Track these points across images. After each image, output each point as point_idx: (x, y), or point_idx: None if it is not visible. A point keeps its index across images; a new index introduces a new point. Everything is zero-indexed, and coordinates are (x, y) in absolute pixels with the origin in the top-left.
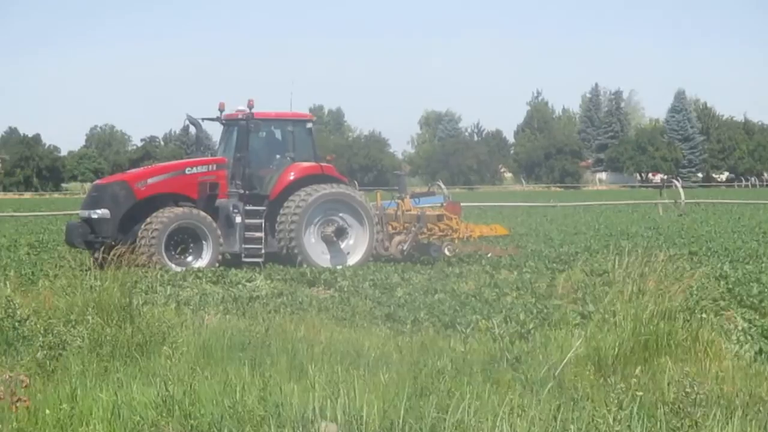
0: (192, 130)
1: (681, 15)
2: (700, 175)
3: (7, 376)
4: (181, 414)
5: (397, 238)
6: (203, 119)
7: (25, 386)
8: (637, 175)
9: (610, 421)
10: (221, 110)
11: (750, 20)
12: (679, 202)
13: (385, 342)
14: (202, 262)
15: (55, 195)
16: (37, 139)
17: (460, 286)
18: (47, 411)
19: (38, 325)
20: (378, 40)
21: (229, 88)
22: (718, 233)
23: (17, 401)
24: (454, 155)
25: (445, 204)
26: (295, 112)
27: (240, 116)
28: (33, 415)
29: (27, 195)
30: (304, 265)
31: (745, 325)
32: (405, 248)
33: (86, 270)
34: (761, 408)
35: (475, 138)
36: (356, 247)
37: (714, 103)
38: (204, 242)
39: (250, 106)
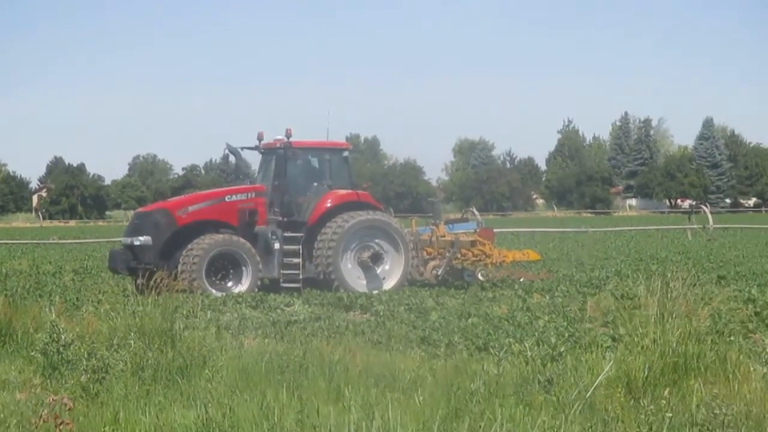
0: (231, 158)
1: (708, 44)
2: (728, 200)
3: (51, 399)
4: None
5: (431, 264)
6: (242, 148)
7: (69, 409)
8: (667, 201)
9: None
10: (260, 139)
11: None
12: (708, 227)
13: (419, 365)
14: (241, 288)
15: (99, 222)
16: (81, 168)
17: (493, 309)
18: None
19: (82, 350)
20: (413, 70)
21: (267, 118)
22: (746, 257)
23: (61, 424)
24: (487, 182)
25: (478, 230)
26: (332, 141)
27: (278, 145)
28: None
29: (72, 223)
30: (341, 290)
31: None
32: (439, 273)
33: (128, 296)
34: None
35: (508, 165)
36: (392, 272)
37: (741, 131)
38: (243, 268)
39: (288, 135)
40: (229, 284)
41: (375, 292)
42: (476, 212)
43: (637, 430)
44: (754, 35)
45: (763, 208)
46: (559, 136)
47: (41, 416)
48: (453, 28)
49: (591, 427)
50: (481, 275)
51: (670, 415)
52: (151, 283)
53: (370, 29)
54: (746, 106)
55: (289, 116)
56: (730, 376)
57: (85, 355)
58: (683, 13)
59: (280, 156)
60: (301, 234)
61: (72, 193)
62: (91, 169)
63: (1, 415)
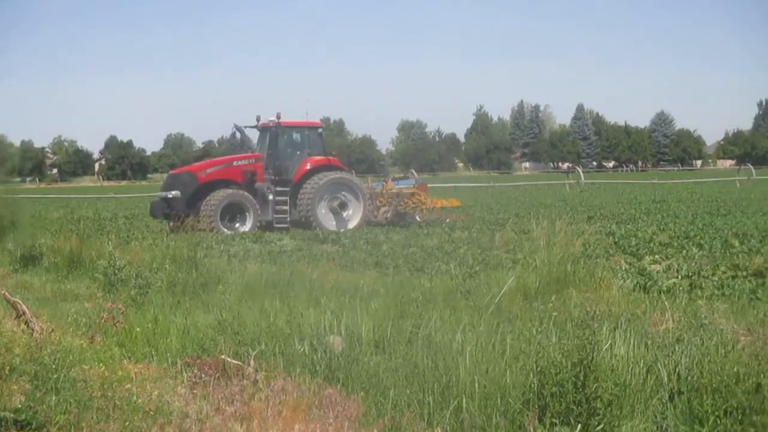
0: (237, 135)
1: (580, 45)
2: (594, 163)
3: (110, 306)
4: (231, 332)
5: (382, 209)
6: (246, 127)
7: (122, 313)
8: (551, 164)
9: (534, 332)
10: (258, 120)
11: (631, 49)
12: (580, 182)
13: (375, 281)
14: (246, 228)
15: (143, 183)
16: (130, 143)
17: (427, 242)
18: (137, 329)
19: (131, 272)
20: (371, 67)
21: (265, 103)
22: (607, 203)
23: (117, 323)
24: (422, 151)
25: (416, 185)
26: (310, 121)
27: (271, 124)
28: (128, 332)
29: (123, 183)
30: (318, 229)
31: (627, 266)
32: (388, 216)
33: (164, 234)
34: (637, 320)
35: (437, 139)
36: (354, 215)
37: (604, 113)
38: (247, 214)
39: (278, 117)
40: (237, 225)
41: (342, 230)
42: (414, 173)
43: (531, 323)
44: (613, 38)
45: (619, 169)
46: (474, 117)
47: (103, 317)
48: (401, 33)
49: (499, 323)
50: (419, 217)
51: (555, 313)
52: (181, 225)
53: (346, 38)
54: (609, 94)
55: (280, 101)
56: (597, 286)
57: (134, 276)
58: (567, 20)
59: (273, 132)
60: (288, 188)
61: (123, 161)
62: (137, 144)
63: (76, 317)
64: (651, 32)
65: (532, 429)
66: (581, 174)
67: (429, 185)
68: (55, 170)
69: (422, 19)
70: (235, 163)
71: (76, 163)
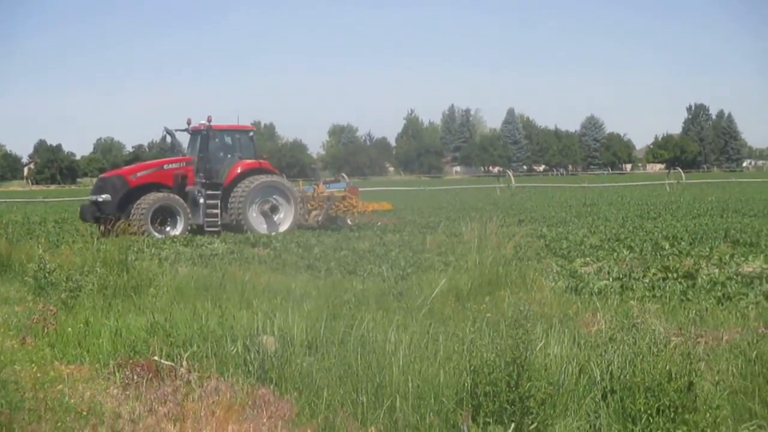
0: (168, 138)
1: (511, 49)
2: (525, 167)
3: (41, 308)
4: (164, 334)
5: (313, 213)
6: (176, 130)
7: (54, 314)
8: (482, 167)
9: (467, 331)
10: (188, 124)
11: (561, 53)
12: (511, 185)
13: (307, 283)
14: (176, 231)
15: (72, 187)
16: (59, 147)
17: (359, 245)
18: (69, 330)
19: (62, 275)
20: (301, 70)
21: (194, 106)
22: (538, 207)
23: (48, 324)
24: (353, 155)
25: (347, 188)
26: (241, 125)
27: (202, 128)
28: (60, 334)
29: (53, 187)
30: (249, 233)
31: (558, 268)
32: (320, 219)
33: (95, 237)
34: (569, 321)
35: (368, 143)
36: (285, 219)
37: (534, 117)
38: (178, 217)
39: (209, 120)
40: (168, 229)
41: (273, 233)
42: (345, 176)
43: (464, 323)
44: (544, 42)
45: (549, 173)
46: (405, 121)
47: (34, 319)
48: (329, 37)
49: (431, 324)
50: (350, 220)
51: (489, 314)
52: (111, 228)
53: (278, 38)
54: (539, 98)
55: (210, 105)
56: (529, 287)
57: (64, 279)
58: (497, 23)
59: (204, 136)
60: (219, 192)
61: (52, 165)
62: (66, 148)
63: (6, 319)
64: (581, 36)
65: (465, 428)
66: (512, 178)
67: (360, 189)
68: None
69: (353, 22)
70: (165, 167)
71: (4, 167)
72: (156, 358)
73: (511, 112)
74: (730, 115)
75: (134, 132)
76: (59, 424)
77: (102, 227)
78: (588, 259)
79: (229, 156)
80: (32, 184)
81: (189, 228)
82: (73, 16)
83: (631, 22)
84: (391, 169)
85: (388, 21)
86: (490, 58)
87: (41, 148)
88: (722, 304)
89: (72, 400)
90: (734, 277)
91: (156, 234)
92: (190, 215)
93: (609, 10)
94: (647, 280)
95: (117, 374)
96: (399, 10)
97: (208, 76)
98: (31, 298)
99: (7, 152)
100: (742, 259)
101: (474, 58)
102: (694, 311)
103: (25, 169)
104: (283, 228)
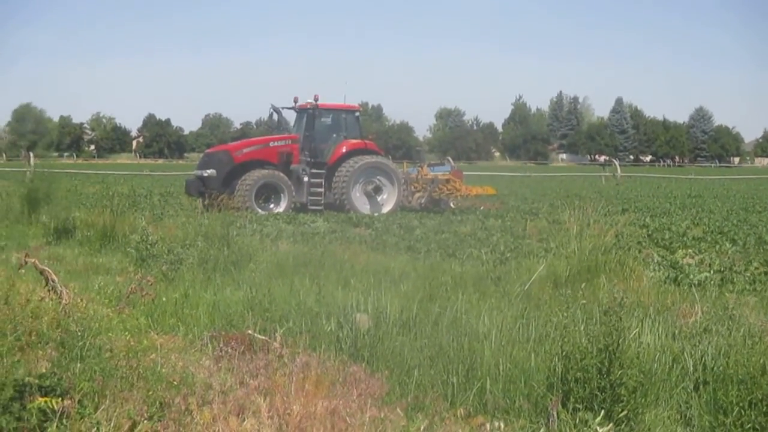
0: (275, 116)
1: (621, 40)
2: (631, 157)
3: (139, 277)
4: (260, 309)
5: (417, 195)
6: (283, 108)
7: (151, 284)
8: (588, 156)
9: (561, 317)
10: (295, 102)
11: (671, 45)
12: (617, 175)
13: (405, 264)
14: (280, 209)
15: (180, 161)
16: (168, 122)
17: (461, 228)
18: (164, 299)
19: (163, 247)
20: (411, 54)
21: (302, 85)
22: (642, 197)
23: (145, 294)
24: (459, 139)
25: (451, 172)
26: (347, 104)
27: (308, 106)
28: (157, 304)
29: (160, 161)
30: (351, 212)
31: (659, 258)
32: (423, 202)
33: (198, 212)
34: (665, 311)
35: (474, 127)
36: (388, 200)
37: (643, 107)
38: (282, 194)
39: (316, 99)
40: (271, 206)
41: (376, 214)
42: (450, 160)
43: (559, 308)
44: (653, 33)
45: (656, 163)
46: (512, 107)
47: (132, 289)
48: (443, 27)
49: (526, 308)
50: (453, 204)
51: (584, 300)
52: (215, 203)
53: (385, 29)
54: (648, 88)
55: (319, 84)
56: (627, 276)
57: (166, 251)
58: (608, 16)
59: (310, 114)
60: (324, 171)
61: (160, 140)
62: (175, 123)
63: (107, 289)
64: (692, 28)
65: (555, 413)
66: (618, 167)
67: (465, 173)
68: (92, 146)
69: (464, 9)
70: (271, 144)
71: (113, 139)
72: (250, 331)
73: (619, 101)
74: None
75: (242, 109)
76: (150, 392)
77: (206, 202)
78: (690, 250)
79: (334, 135)
80: (140, 157)
81: (293, 206)
82: None
83: (744, 13)
84: (497, 154)
85: (499, 5)
86: (600, 46)
87: (150, 122)
88: None
89: (164, 370)
90: None
91: (259, 210)
92: (294, 193)
93: (719, 3)
94: (749, 274)
95: (210, 346)
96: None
97: (318, 54)
98: (132, 270)
99: (116, 125)
100: None
101: (584, 45)
102: None
103: (134, 143)
104: (386, 209)
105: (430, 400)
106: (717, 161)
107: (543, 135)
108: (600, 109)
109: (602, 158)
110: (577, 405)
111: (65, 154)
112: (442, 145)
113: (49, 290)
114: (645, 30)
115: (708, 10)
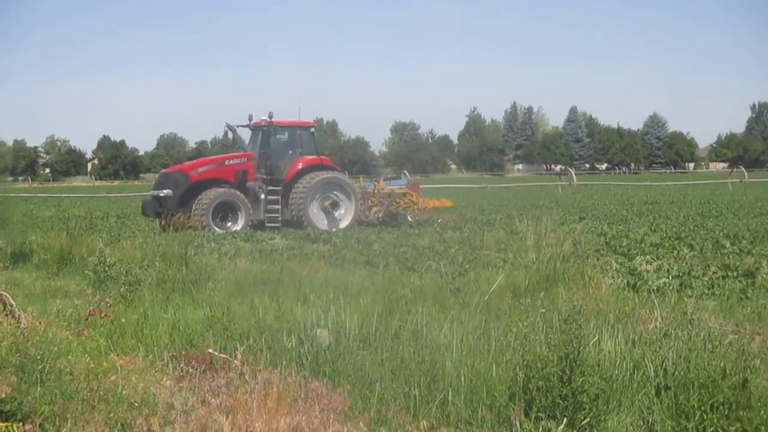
0: (230, 134)
1: (573, 47)
2: (587, 165)
3: (98, 299)
4: (220, 327)
5: (374, 209)
6: (238, 126)
7: (110, 306)
8: (544, 165)
9: (521, 326)
10: (250, 119)
11: (624, 51)
12: (572, 184)
13: (364, 279)
14: (237, 227)
15: (135, 182)
16: (122, 143)
17: (418, 241)
18: (123, 320)
19: (121, 269)
20: (364, 68)
21: (256, 102)
22: (599, 205)
23: (104, 316)
24: (415, 152)
25: (408, 185)
26: (303, 120)
27: (263, 123)
28: (116, 326)
29: (115, 182)
30: (309, 228)
31: (617, 266)
32: (380, 216)
33: (156, 232)
34: (625, 318)
35: (430, 140)
36: (345, 215)
37: (597, 115)
38: (239, 212)
39: (270, 116)
40: (229, 224)
41: (333, 229)
42: (407, 173)
43: (519, 318)
44: (608, 41)
45: (611, 171)
46: (467, 118)
47: (90, 311)
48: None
49: (486, 319)
50: (410, 217)
51: (543, 310)
52: (172, 223)
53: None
54: (601, 96)
55: (273, 102)
56: (586, 284)
57: (124, 273)
58: (561, 22)
59: (265, 132)
60: (280, 188)
61: (116, 161)
62: (130, 144)
63: (63, 311)
64: (644, 34)
65: (518, 423)
66: (574, 176)
67: (421, 186)
68: (47, 170)
69: (416, 21)
70: (227, 162)
71: (68, 162)
72: (210, 350)
73: (573, 111)
74: None
75: (197, 128)
76: (112, 414)
77: (163, 222)
78: (648, 257)
79: (290, 152)
80: (96, 179)
81: (250, 223)
82: (141, 13)
83: (696, 19)
84: (453, 166)
85: (450, 17)
86: (553, 56)
87: (105, 143)
88: None
89: (125, 391)
90: None
91: (217, 229)
92: (251, 211)
93: (671, 8)
94: (707, 279)
95: (171, 366)
96: (461, 7)
97: (271, 73)
98: (90, 292)
99: (71, 147)
100: None
101: (537, 56)
102: (751, 308)
103: (89, 165)
104: (343, 224)
105: (392, 414)
106: (672, 167)
107: (498, 146)
108: (554, 118)
109: (558, 167)
110: (540, 414)
111: (20, 178)
112: (398, 158)
113: (7, 315)
114: (597, 38)
115: (658, 15)
